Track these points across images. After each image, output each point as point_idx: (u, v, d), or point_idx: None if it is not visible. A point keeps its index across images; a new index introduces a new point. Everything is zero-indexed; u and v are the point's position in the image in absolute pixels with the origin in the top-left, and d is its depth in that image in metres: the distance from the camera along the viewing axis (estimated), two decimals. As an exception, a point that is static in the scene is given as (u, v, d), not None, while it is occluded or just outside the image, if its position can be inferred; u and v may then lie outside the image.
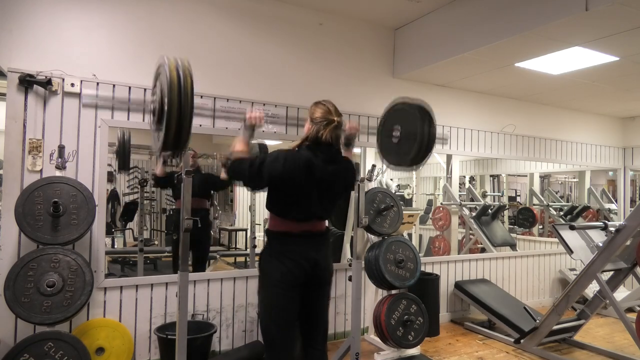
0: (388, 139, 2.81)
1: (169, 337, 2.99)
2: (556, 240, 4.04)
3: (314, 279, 2.28)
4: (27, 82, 2.84)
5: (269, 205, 2.30)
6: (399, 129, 2.71)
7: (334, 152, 2.30)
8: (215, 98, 3.48)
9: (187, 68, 1.93)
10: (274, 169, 2.16)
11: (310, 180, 2.20)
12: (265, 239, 2.37)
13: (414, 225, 5.82)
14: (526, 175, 8.07)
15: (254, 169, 2.17)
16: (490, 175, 8.22)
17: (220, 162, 4.54)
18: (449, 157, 5.54)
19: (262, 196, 2.36)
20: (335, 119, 2.27)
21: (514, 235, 6.65)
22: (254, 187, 2.28)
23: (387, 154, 2.90)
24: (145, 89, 3.23)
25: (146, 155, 5.05)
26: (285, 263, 2.20)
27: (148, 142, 4.24)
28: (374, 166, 4.08)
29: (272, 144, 4.68)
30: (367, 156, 4.25)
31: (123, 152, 4.27)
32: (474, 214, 5.94)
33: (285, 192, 2.21)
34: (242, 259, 5.56)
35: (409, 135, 2.64)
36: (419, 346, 3.64)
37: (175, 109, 1.86)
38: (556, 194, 8.87)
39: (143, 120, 3.24)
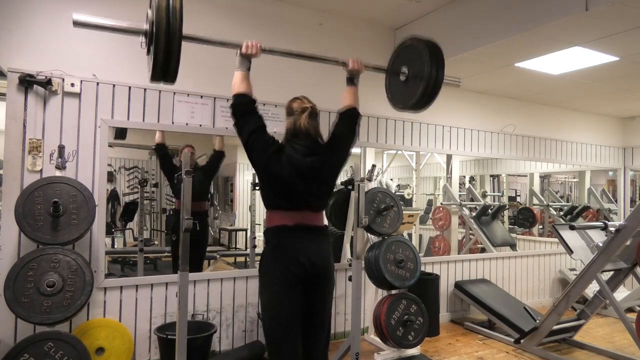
0: (396, 78, 2.72)
1: (169, 337, 2.99)
2: (556, 240, 4.04)
3: (313, 277, 2.25)
4: (27, 82, 2.84)
5: (264, 201, 2.30)
6: (407, 69, 2.63)
7: (312, 143, 2.26)
8: (215, 98, 3.48)
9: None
10: (260, 158, 2.17)
11: (293, 175, 2.18)
12: (264, 240, 2.36)
13: (414, 225, 5.82)
14: (526, 175, 8.07)
15: (251, 140, 2.18)
16: (490, 175, 8.22)
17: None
18: (449, 157, 5.54)
19: (262, 197, 2.34)
20: (309, 105, 2.28)
21: (514, 235, 6.65)
22: (247, 146, 2.23)
23: (393, 92, 2.80)
24: (145, 89, 3.23)
25: (146, 155, 5.05)
26: (283, 261, 2.19)
27: (148, 142, 4.25)
28: (374, 166, 4.09)
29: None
30: (367, 156, 4.25)
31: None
32: (474, 214, 5.94)
33: (274, 185, 2.21)
34: (242, 259, 5.55)
35: (417, 75, 2.54)
36: (419, 346, 3.64)
37: (163, 33, 1.86)
38: (556, 194, 8.87)
39: (143, 120, 3.24)
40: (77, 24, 1.86)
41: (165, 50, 1.89)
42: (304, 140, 2.25)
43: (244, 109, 2.23)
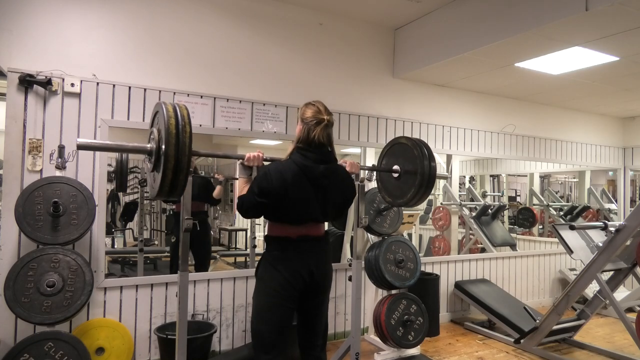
0: (388, 176, 2.86)
1: (169, 337, 3.00)
2: (556, 240, 4.04)
3: (312, 287, 2.26)
4: (27, 82, 2.84)
5: (266, 213, 2.30)
6: (399, 166, 2.78)
7: (325, 153, 2.26)
8: (215, 98, 3.48)
9: (185, 113, 1.86)
10: (265, 189, 2.15)
11: (304, 184, 2.18)
12: (265, 245, 2.36)
13: (414, 225, 5.82)
14: (526, 175, 8.07)
15: (253, 202, 2.17)
16: (490, 175, 8.22)
17: (215, 178, 4.54)
18: (449, 157, 5.53)
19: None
20: (326, 117, 2.24)
21: (514, 235, 6.65)
22: (264, 214, 2.28)
23: (388, 190, 2.93)
24: (145, 89, 3.23)
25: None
26: (283, 272, 2.19)
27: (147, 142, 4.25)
28: (374, 166, 4.08)
29: (272, 144, 4.69)
30: (367, 156, 4.25)
31: (120, 173, 4.27)
32: (474, 214, 5.94)
33: (279, 203, 2.19)
34: (242, 259, 5.56)
35: (409, 171, 2.70)
36: (419, 346, 3.64)
37: (171, 163, 1.80)
38: (556, 194, 8.87)
39: (143, 120, 3.24)
40: (81, 147, 1.88)
41: (173, 172, 1.83)
42: (316, 148, 2.24)
43: (248, 206, 2.22)
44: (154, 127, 1.96)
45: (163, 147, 1.80)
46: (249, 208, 2.20)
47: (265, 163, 2.34)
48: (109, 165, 3.57)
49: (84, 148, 1.90)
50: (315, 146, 2.23)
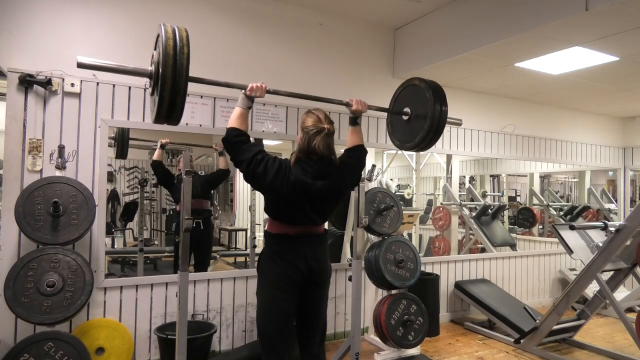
0: (399, 118, 2.77)
1: (169, 337, 3.00)
2: (556, 240, 4.03)
3: (311, 280, 2.29)
4: (27, 82, 2.84)
5: (266, 208, 2.32)
6: (410, 108, 2.68)
7: (324, 166, 2.23)
8: (215, 98, 3.48)
9: (184, 34, 1.88)
10: (264, 179, 2.13)
11: (301, 197, 2.18)
12: (264, 241, 2.39)
13: (414, 225, 5.82)
14: (526, 175, 8.06)
15: (250, 168, 2.14)
16: (490, 175, 8.22)
17: (217, 152, 4.47)
18: (449, 157, 5.54)
19: (262, 197, 2.34)
20: (326, 126, 2.22)
21: (514, 235, 6.65)
22: (247, 177, 2.21)
23: (397, 133, 2.85)
24: (145, 89, 3.23)
25: (146, 155, 5.05)
26: (282, 265, 2.22)
27: (148, 142, 4.25)
28: (374, 166, 4.09)
29: (272, 144, 4.68)
30: (367, 156, 4.24)
31: (122, 139, 4.20)
32: (474, 214, 5.94)
33: (278, 200, 2.22)
34: (242, 259, 5.55)
35: (420, 114, 2.60)
36: (419, 346, 3.63)
37: (169, 84, 1.84)
38: (556, 194, 8.87)
39: (143, 120, 3.24)
40: (81, 65, 1.86)
41: (170, 94, 1.87)
42: (316, 162, 2.21)
43: (237, 142, 2.17)
44: (155, 51, 1.98)
45: (161, 69, 1.83)
46: (237, 152, 2.15)
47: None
48: (110, 138, 3.52)
49: (84, 67, 1.87)
50: (316, 158, 2.21)
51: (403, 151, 5.89)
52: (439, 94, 2.55)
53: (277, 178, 2.13)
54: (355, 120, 2.50)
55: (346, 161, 2.37)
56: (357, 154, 2.43)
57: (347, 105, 2.50)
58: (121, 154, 3.99)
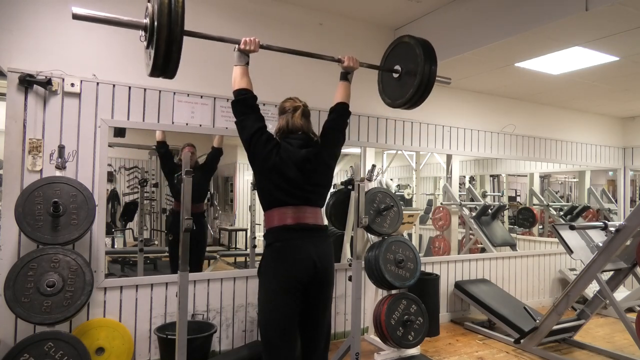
0: (389, 76, 2.79)
1: (169, 337, 3.00)
2: (556, 240, 4.04)
3: (314, 280, 2.23)
4: (27, 82, 2.84)
5: (260, 193, 2.31)
6: (400, 66, 2.70)
7: (307, 139, 2.31)
8: (215, 98, 3.48)
9: None
10: (260, 154, 2.21)
11: (290, 165, 2.21)
12: (264, 242, 2.32)
13: (414, 225, 5.82)
14: (526, 175, 8.07)
15: (254, 139, 2.22)
16: (490, 175, 8.22)
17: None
18: (449, 157, 5.54)
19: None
20: (301, 104, 2.35)
21: (514, 235, 6.65)
22: (246, 141, 2.28)
23: (387, 90, 2.87)
24: (145, 89, 3.23)
25: (146, 155, 5.05)
26: (285, 265, 2.17)
27: (148, 142, 4.25)
28: (374, 166, 4.09)
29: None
30: (367, 156, 4.25)
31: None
32: (474, 214, 5.94)
33: (272, 180, 2.21)
34: (242, 259, 5.55)
35: (410, 72, 2.62)
36: (419, 346, 3.64)
37: (164, 33, 1.86)
38: (556, 194, 8.87)
39: (143, 120, 3.24)
40: (76, 17, 1.86)
41: (166, 43, 1.89)
42: (298, 137, 2.30)
43: (246, 106, 2.27)
44: (149, 3, 1.99)
45: (156, 20, 1.84)
46: (244, 117, 2.24)
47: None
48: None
49: (79, 18, 1.88)
50: (297, 133, 2.30)
51: (403, 150, 5.91)
52: (428, 51, 2.57)
53: (272, 151, 2.21)
54: (345, 75, 2.59)
55: (328, 126, 2.45)
56: (340, 116, 2.49)
57: (339, 61, 2.58)
58: (120, 132, 3.96)
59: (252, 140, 2.23)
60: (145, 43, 2.02)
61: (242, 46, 2.29)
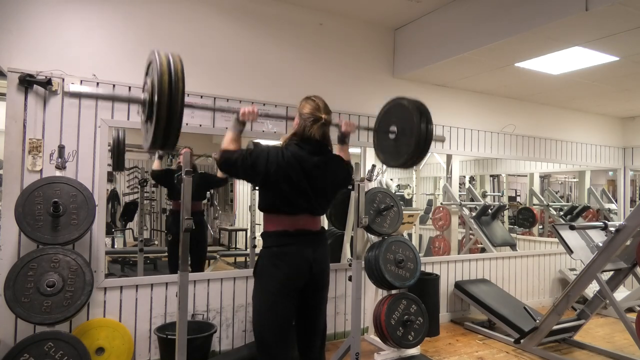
0: (385, 136, 2.79)
1: (169, 337, 3.00)
2: (556, 240, 4.03)
3: (311, 283, 2.24)
4: (27, 82, 2.84)
5: (260, 204, 2.28)
6: (396, 127, 2.70)
7: (320, 147, 2.28)
8: (215, 98, 3.48)
9: (179, 65, 1.86)
10: (263, 163, 2.15)
11: (298, 173, 2.17)
12: (263, 243, 2.30)
13: (414, 225, 5.82)
14: (526, 175, 8.07)
15: (247, 163, 2.16)
16: (490, 175, 8.22)
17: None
18: (449, 157, 5.53)
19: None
20: (323, 116, 2.25)
21: (514, 235, 6.65)
22: (248, 180, 2.31)
23: (384, 152, 2.86)
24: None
25: (146, 155, 5.05)
26: (283, 269, 2.17)
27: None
28: (374, 166, 4.08)
29: (272, 144, 4.68)
30: (367, 156, 4.25)
31: (117, 151, 4.23)
32: (474, 214, 5.94)
33: (276, 187, 2.18)
34: (242, 259, 5.55)
35: (406, 133, 2.62)
36: (419, 346, 3.63)
37: (164, 109, 1.80)
38: (556, 194, 8.87)
39: (143, 120, 3.23)
40: (73, 95, 1.86)
41: (167, 120, 1.82)
42: (312, 144, 2.26)
43: (230, 165, 2.21)
44: (148, 78, 1.95)
45: (156, 97, 1.80)
46: (236, 159, 2.17)
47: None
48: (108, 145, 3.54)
49: (75, 95, 1.87)
50: (311, 142, 2.26)
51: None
52: (425, 115, 2.57)
53: (270, 157, 2.15)
54: (343, 139, 2.57)
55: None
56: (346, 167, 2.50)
57: (337, 126, 2.55)
58: (117, 165, 4.00)
59: (247, 172, 2.19)
60: (143, 117, 1.97)
61: (241, 118, 2.28)
